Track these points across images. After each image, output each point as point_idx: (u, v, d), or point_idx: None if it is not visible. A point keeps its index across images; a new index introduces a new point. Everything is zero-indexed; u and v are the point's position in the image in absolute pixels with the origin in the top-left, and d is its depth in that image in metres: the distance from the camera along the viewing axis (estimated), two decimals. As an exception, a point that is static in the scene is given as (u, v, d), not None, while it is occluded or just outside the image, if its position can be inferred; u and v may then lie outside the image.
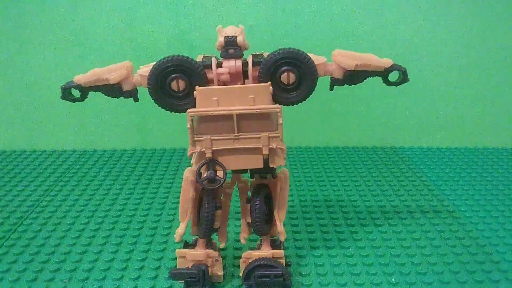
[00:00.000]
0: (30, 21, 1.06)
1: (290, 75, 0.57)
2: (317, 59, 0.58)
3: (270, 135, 0.56)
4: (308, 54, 0.57)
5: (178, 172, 1.01)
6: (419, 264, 0.67)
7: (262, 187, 0.62)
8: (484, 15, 1.07)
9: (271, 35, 1.07)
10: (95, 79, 0.58)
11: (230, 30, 0.57)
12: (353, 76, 0.58)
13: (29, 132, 1.15)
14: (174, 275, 0.60)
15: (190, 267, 0.61)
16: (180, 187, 0.59)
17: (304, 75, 0.57)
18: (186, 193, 0.59)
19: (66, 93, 0.59)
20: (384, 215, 0.82)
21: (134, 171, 1.02)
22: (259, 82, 0.57)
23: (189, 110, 0.55)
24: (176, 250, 0.62)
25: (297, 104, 0.59)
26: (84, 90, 0.59)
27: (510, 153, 1.12)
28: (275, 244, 0.63)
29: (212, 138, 0.56)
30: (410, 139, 1.17)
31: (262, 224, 0.60)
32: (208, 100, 0.55)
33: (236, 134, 0.56)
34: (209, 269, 0.61)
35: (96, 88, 0.58)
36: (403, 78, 0.60)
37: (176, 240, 0.60)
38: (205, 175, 0.57)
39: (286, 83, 0.57)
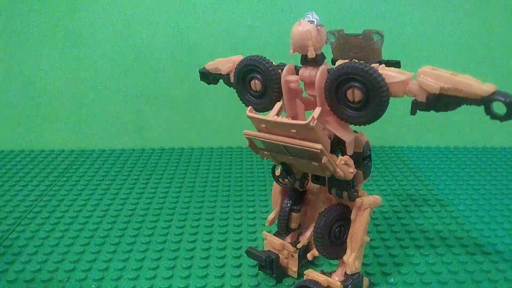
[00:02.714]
0: (28, 21, 1.06)
1: (355, 92, 0.48)
2: (395, 76, 0.48)
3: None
4: (389, 69, 0.48)
5: (177, 172, 1.00)
6: (418, 264, 0.67)
7: (340, 206, 0.57)
8: (484, 14, 1.07)
9: (270, 34, 1.06)
10: (214, 68, 0.61)
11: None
12: (440, 102, 0.46)
13: (27, 132, 1.14)
14: (248, 253, 0.63)
15: (265, 251, 0.63)
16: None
17: (371, 93, 0.47)
18: (275, 186, 0.62)
19: (201, 75, 0.63)
20: (382, 214, 0.81)
21: (132, 171, 1.02)
22: (324, 97, 0.51)
23: (244, 131, 0.54)
24: (263, 232, 0.64)
25: (365, 125, 0.50)
26: (210, 76, 0.62)
27: (508, 153, 1.12)
28: (348, 276, 0.56)
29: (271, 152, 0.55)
30: (409, 138, 1.17)
31: (323, 244, 0.56)
32: (259, 125, 0.54)
33: (287, 155, 0.53)
34: (285, 260, 0.62)
35: (217, 75, 0.61)
36: (508, 113, 0.41)
37: (267, 225, 0.63)
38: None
39: (351, 100, 0.49)
